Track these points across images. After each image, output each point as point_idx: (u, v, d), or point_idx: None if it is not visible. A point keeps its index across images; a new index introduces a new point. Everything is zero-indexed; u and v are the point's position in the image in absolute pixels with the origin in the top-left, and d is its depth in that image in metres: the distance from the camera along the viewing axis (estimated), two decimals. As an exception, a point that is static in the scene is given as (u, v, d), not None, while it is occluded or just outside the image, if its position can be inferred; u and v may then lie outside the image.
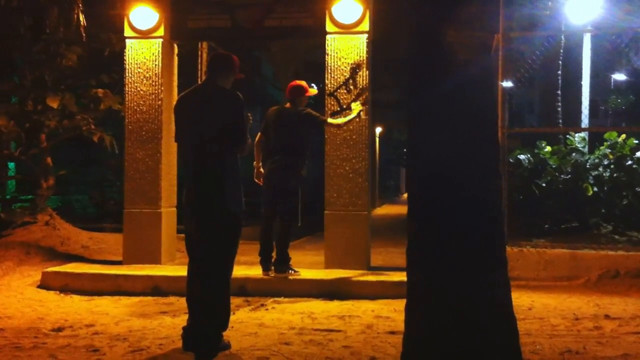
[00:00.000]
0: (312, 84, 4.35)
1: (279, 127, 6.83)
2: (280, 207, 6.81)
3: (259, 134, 7.04)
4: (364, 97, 7.31)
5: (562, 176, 9.51)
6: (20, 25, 9.71)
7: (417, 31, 3.64)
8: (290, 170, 6.77)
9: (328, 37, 7.46)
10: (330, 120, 7.14)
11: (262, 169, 6.88)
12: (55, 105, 9.46)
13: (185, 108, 4.69)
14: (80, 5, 9.00)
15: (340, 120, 7.17)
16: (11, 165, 12.22)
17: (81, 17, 8.97)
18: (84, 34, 9.03)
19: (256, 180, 6.91)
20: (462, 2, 3.51)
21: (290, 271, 6.81)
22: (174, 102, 5.25)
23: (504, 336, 3.52)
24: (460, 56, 3.47)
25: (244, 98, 4.61)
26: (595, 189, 9.31)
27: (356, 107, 7.20)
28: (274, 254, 6.86)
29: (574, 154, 9.83)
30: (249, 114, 4.71)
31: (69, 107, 9.78)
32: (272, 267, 6.83)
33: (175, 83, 8.14)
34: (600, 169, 9.49)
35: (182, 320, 4.92)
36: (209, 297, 4.47)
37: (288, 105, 6.98)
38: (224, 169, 4.48)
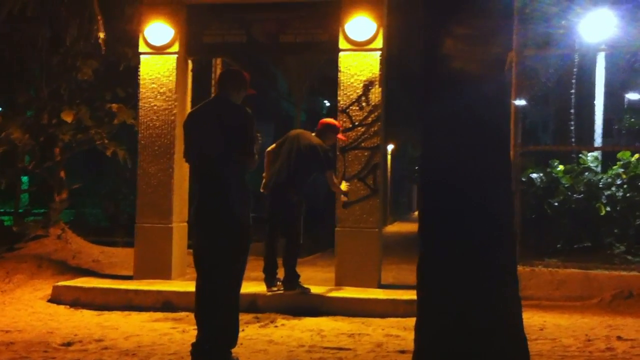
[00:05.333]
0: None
1: (295, 147, 6.85)
2: (282, 224, 6.82)
3: (274, 144, 7.08)
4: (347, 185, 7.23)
5: (574, 195, 9.44)
6: (37, 36, 9.81)
7: (426, 46, 3.65)
8: (292, 188, 6.77)
9: (341, 54, 7.48)
10: (334, 176, 7.03)
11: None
12: (69, 119, 9.53)
13: (194, 123, 4.70)
14: (101, 18, 9.08)
15: (336, 183, 7.06)
16: (25, 178, 12.29)
17: (102, 30, 9.05)
18: (104, 47, 9.11)
19: (262, 190, 6.93)
20: (470, 17, 3.51)
21: (299, 288, 6.80)
22: (186, 118, 5.26)
23: (514, 355, 3.49)
24: (473, 71, 3.48)
25: (257, 113, 4.62)
26: (608, 208, 9.23)
27: (345, 186, 7.14)
28: (278, 270, 6.86)
29: (587, 173, 9.76)
30: (258, 133, 4.72)
31: (83, 121, 9.84)
32: (278, 284, 6.82)
33: (189, 99, 8.19)
34: (614, 188, 9.42)
35: (192, 336, 4.91)
36: (217, 313, 4.45)
37: (314, 134, 7.00)
38: (232, 183, 4.48)
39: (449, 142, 3.53)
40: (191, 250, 5.17)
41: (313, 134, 7.00)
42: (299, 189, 6.83)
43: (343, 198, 7.25)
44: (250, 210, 4.62)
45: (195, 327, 4.57)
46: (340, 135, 7.17)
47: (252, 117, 4.57)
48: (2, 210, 14.40)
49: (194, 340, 4.53)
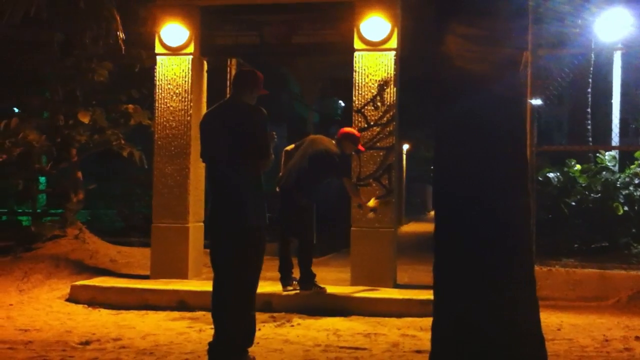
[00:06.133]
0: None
1: (308, 151, 6.88)
2: (295, 224, 6.84)
3: (293, 145, 7.15)
4: (386, 199, 7.18)
5: (591, 195, 9.40)
6: (51, 39, 9.88)
7: (437, 48, 3.64)
8: (299, 191, 6.78)
9: (356, 54, 7.49)
10: (350, 183, 7.01)
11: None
12: (86, 120, 9.60)
13: (210, 124, 4.71)
14: (119, 19, 9.14)
15: (357, 192, 7.06)
16: (42, 179, 12.38)
17: (120, 32, 9.11)
18: (123, 47, 9.17)
19: (277, 189, 6.97)
20: (481, 18, 3.50)
21: (315, 288, 6.81)
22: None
23: (532, 356, 3.48)
24: (485, 73, 3.47)
25: (270, 114, 4.63)
26: (626, 208, 9.17)
27: (373, 202, 7.07)
28: (294, 270, 6.87)
29: (604, 173, 9.71)
30: (274, 132, 4.73)
31: (99, 122, 9.92)
32: (294, 283, 6.84)
33: (205, 99, 8.22)
34: (631, 188, 9.36)
35: (208, 335, 4.93)
36: (233, 313, 4.47)
37: (333, 141, 7.00)
38: (243, 184, 4.48)
39: (462, 146, 3.52)
40: (208, 250, 5.19)
41: (332, 142, 7.00)
42: (307, 191, 6.82)
43: (370, 215, 7.15)
44: (265, 210, 4.62)
45: (212, 326, 4.58)
46: (360, 147, 7.16)
47: (266, 117, 4.57)
48: (20, 210, 14.53)
49: (210, 339, 4.55)
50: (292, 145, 7.14)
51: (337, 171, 6.89)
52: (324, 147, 6.88)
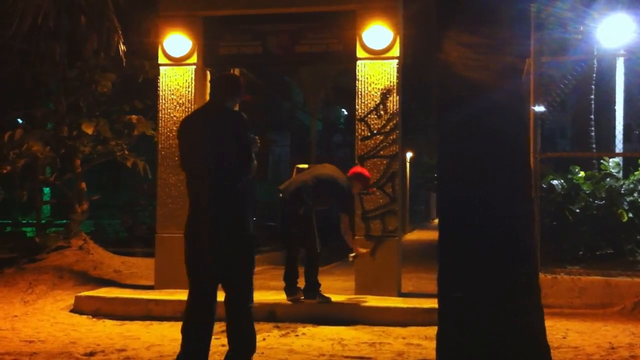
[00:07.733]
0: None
1: (316, 172, 6.95)
2: (296, 234, 6.85)
3: (306, 164, 7.31)
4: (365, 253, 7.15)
5: (596, 202, 9.35)
6: (54, 51, 9.93)
7: (439, 57, 3.65)
8: (297, 201, 6.78)
9: (358, 62, 7.51)
10: (347, 222, 6.94)
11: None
12: (90, 131, 9.63)
13: (190, 131, 4.54)
14: (120, 31, 9.18)
15: (346, 232, 6.95)
16: (46, 190, 12.41)
17: (121, 44, 9.15)
18: (124, 59, 9.20)
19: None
20: (483, 26, 3.51)
21: (320, 297, 6.80)
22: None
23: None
24: (487, 81, 3.47)
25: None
26: (630, 214, 9.13)
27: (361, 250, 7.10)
28: (299, 280, 6.87)
29: (608, 179, 9.66)
30: (257, 138, 4.62)
31: (103, 133, 9.95)
32: (299, 292, 6.83)
33: (207, 109, 8.22)
34: (636, 194, 9.32)
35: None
36: (246, 324, 4.39)
37: (345, 176, 7.00)
38: (239, 190, 4.41)
39: (465, 153, 3.53)
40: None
41: (344, 176, 7.00)
42: (306, 202, 6.81)
43: (350, 257, 7.17)
44: (252, 216, 4.56)
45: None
46: (370, 188, 7.18)
47: (248, 122, 4.43)
48: (24, 221, 14.56)
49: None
50: (306, 165, 7.21)
51: (341, 201, 6.91)
52: (334, 174, 6.93)
